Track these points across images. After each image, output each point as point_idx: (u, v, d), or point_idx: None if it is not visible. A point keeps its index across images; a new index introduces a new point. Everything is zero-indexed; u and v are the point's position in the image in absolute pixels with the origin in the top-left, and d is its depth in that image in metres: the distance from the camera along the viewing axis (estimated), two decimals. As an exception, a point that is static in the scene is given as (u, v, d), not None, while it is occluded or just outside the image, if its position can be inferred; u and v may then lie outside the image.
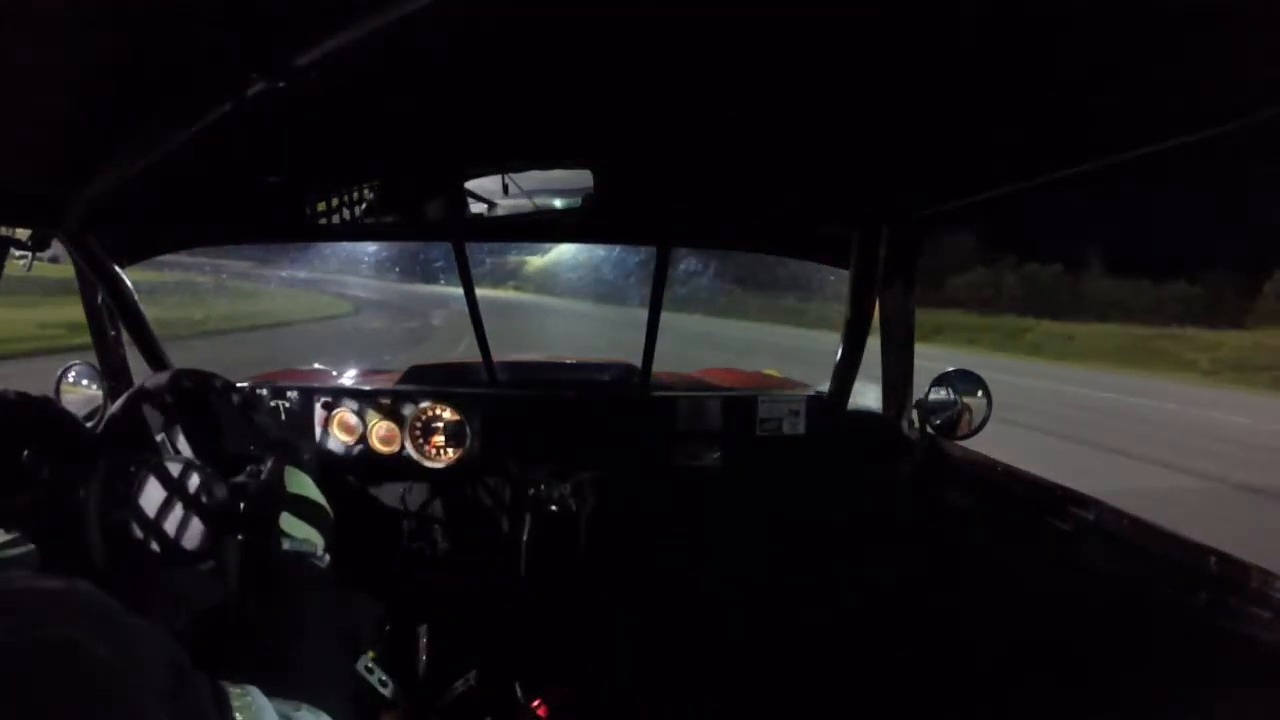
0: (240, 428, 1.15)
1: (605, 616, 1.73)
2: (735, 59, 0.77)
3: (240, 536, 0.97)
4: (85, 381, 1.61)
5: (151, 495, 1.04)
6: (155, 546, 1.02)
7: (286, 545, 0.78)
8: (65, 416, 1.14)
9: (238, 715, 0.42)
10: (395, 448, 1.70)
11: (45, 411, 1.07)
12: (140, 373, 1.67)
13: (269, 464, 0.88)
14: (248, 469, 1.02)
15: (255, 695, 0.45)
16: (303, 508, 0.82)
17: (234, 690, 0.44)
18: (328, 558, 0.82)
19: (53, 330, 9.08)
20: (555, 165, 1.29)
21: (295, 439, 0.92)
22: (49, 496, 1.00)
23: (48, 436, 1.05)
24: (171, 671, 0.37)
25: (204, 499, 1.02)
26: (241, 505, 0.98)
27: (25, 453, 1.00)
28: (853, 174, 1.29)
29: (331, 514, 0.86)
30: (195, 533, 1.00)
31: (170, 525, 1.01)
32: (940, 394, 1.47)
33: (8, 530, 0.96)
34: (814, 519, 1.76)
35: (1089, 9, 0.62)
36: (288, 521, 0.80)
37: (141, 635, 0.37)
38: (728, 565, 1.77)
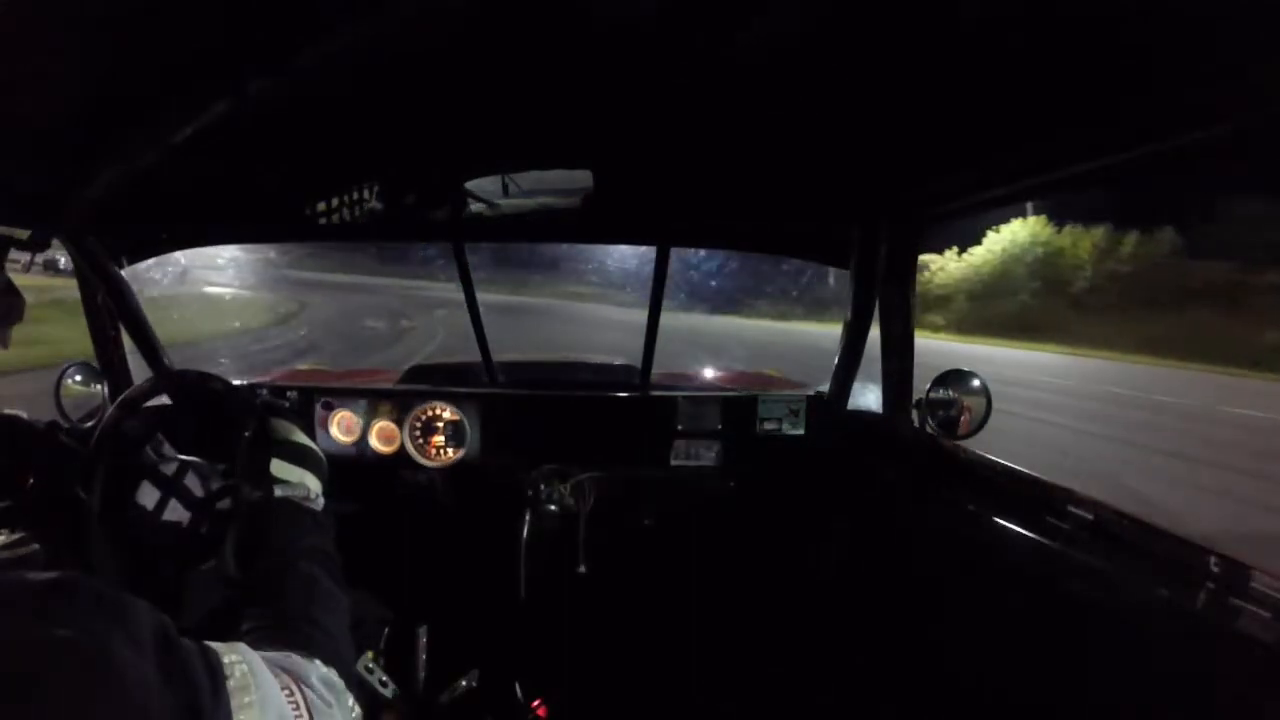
0: (237, 426, 1.15)
1: (605, 616, 1.73)
2: (735, 58, 0.77)
3: (237, 492, 0.97)
4: (85, 381, 1.61)
5: (151, 495, 1.04)
6: (155, 546, 1.02)
7: (280, 491, 0.78)
8: (64, 437, 1.15)
9: (230, 675, 0.42)
10: (395, 448, 1.70)
11: (47, 432, 1.07)
12: (140, 373, 1.67)
13: (254, 420, 0.89)
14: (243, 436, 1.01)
15: (244, 651, 0.45)
16: (293, 451, 0.83)
17: (221, 648, 0.43)
18: (323, 501, 0.82)
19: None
20: (555, 165, 1.29)
21: (274, 399, 0.92)
22: (51, 498, 1.00)
23: (47, 454, 1.06)
24: (163, 644, 0.38)
25: (203, 498, 1.02)
26: (236, 472, 0.99)
27: (30, 481, 1.01)
28: (853, 172, 1.29)
29: (324, 458, 0.86)
30: (194, 532, 1.00)
31: (170, 523, 1.02)
32: (940, 394, 1.47)
33: (13, 531, 0.96)
34: (814, 519, 1.75)
35: (1089, 8, 0.62)
36: (279, 467, 0.80)
37: (134, 613, 0.38)
38: (727, 564, 1.77)
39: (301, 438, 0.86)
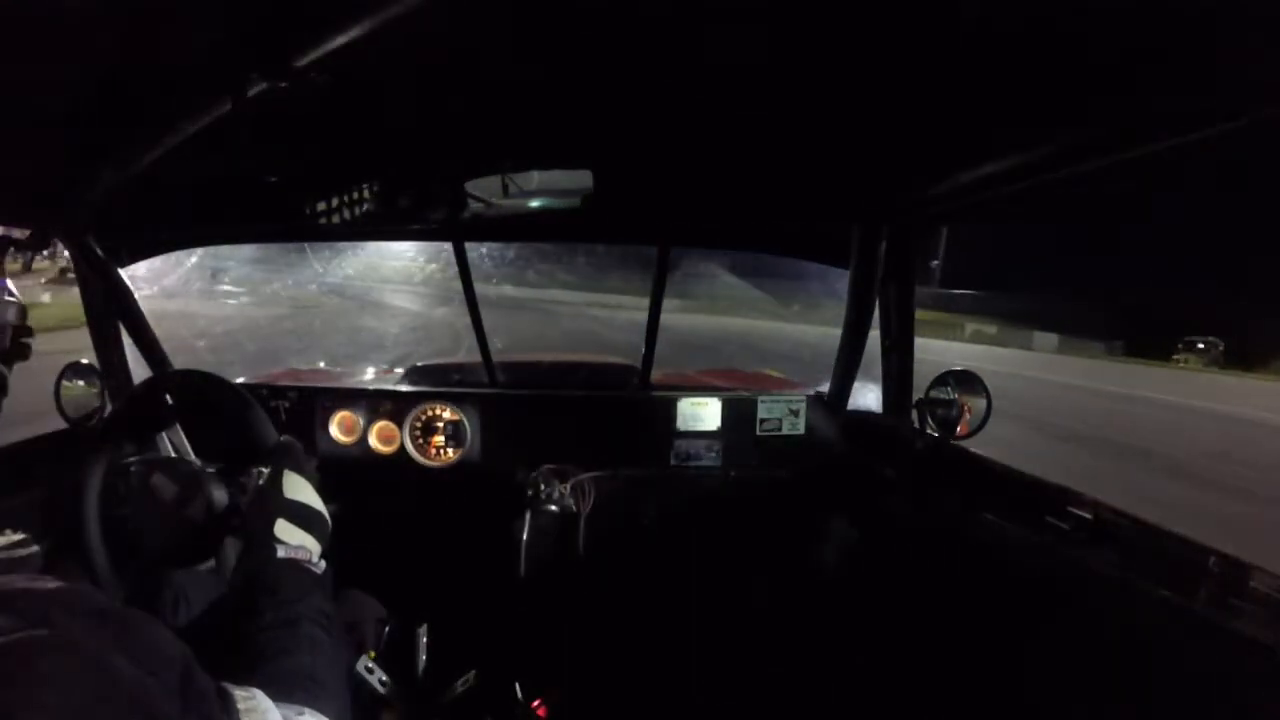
0: (239, 427, 1.15)
1: (605, 616, 1.73)
2: (735, 58, 0.77)
3: (237, 538, 0.97)
4: (85, 381, 1.61)
5: (150, 495, 1.04)
6: (155, 546, 1.02)
7: (281, 552, 0.77)
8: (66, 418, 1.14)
9: (244, 717, 0.42)
10: (395, 448, 1.70)
11: None
12: (140, 373, 1.67)
13: (267, 469, 0.88)
14: (251, 472, 1.02)
15: (260, 698, 0.45)
16: (299, 514, 0.82)
17: (239, 693, 0.43)
18: (323, 564, 0.82)
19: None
20: (555, 165, 1.29)
21: (294, 442, 0.91)
22: (50, 497, 1.00)
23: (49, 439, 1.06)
24: (179, 670, 0.37)
25: (203, 499, 1.02)
26: (239, 506, 0.99)
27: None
28: (853, 173, 1.29)
29: (329, 521, 0.86)
30: (194, 533, 1.00)
31: (169, 525, 1.01)
32: (940, 394, 1.47)
33: (14, 530, 0.96)
34: (814, 519, 1.75)
35: (1089, 9, 0.62)
36: (282, 528, 0.79)
37: (149, 634, 0.37)
38: (727, 564, 1.77)
39: (310, 497, 0.84)
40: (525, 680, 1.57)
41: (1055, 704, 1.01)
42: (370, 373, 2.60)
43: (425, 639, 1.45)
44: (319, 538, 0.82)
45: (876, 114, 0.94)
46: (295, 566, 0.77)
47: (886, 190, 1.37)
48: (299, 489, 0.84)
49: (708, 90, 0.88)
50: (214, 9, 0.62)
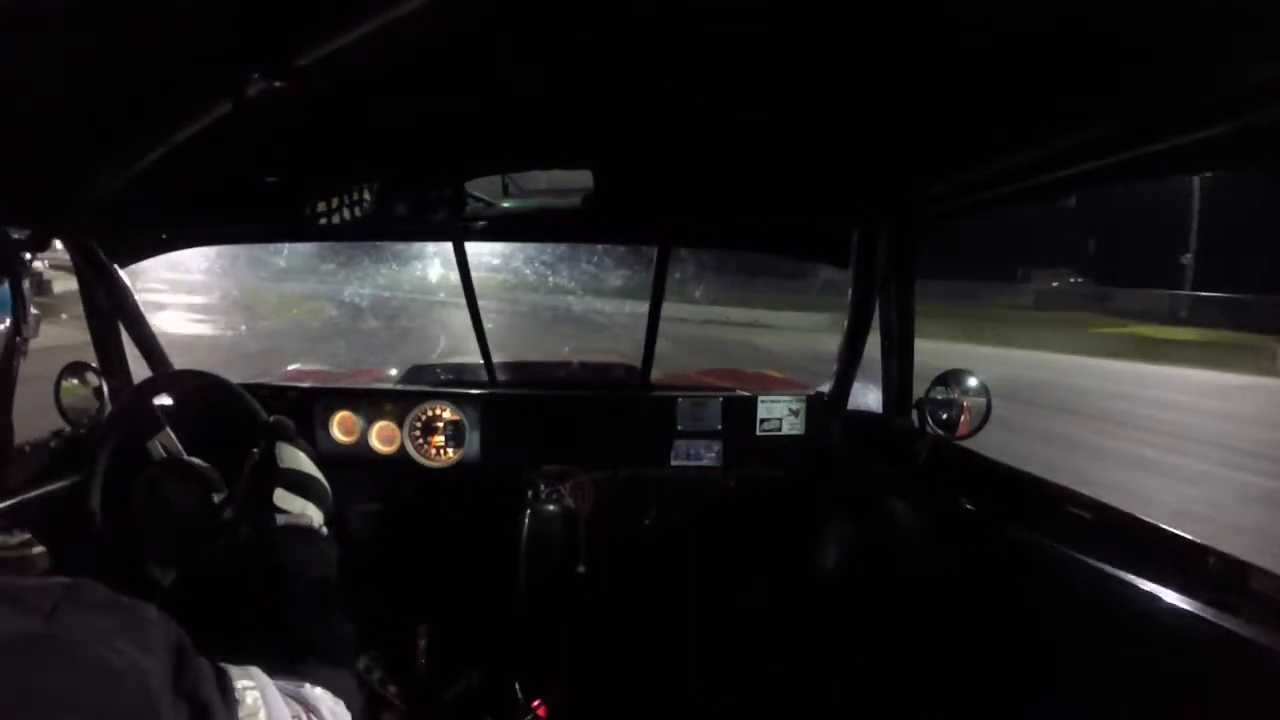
0: (237, 423, 1.15)
1: (605, 617, 1.73)
2: (734, 58, 0.77)
3: (237, 521, 0.97)
4: (85, 381, 1.61)
5: (152, 493, 1.04)
6: (165, 548, 1.02)
7: (282, 520, 0.77)
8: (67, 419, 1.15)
9: (241, 701, 0.41)
10: (395, 448, 1.70)
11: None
12: (140, 373, 1.67)
13: (261, 444, 0.88)
14: (249, 465, 1.02)
15: (258, 676, 0.45)
16: (297, 481, 0.82)
17: (235, 671, 0.43)
18: (325, 529, 0.82)
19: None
20: (555, 165, 1.29)
21: (285, 419, 0.92)
22: (55, 498, 1.01)
23: (50, 440, 1.06)
24: (176, 657, 0.37)
25: (210, 502, 1.03)
26: (236, 498, 0.99)
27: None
28: (853, 172, 1.29)
29: (328, 485, 0.86)
30: (204, 534, 1.00)
31: (181, 529, 1.02)
32: (940, 393, 1.47)
33: (21, 531, 0.96)
34: (814, 519, 1.76)
35: (1088, 8, 0.62)
36: (282, 497, 0.79)
37: (148, 623, 0.37)
38: (727, 564, 1.77)
39: (308, 466, 0.85)
40: (525, 680, 1.57)
41: (1056, 704, 1.02)
42: (370, 373, 2.60)
43: (425, 639, 1.46)
44: (320, 504, 0.83)
45: (876, 114, 0.94)
46: (297, 534, 0.77)
47: (886, 190, 1.37)
48: (295, 459, 0.85)
49: (707, 90, 0.88)
50: (214, 9, 0.62)
